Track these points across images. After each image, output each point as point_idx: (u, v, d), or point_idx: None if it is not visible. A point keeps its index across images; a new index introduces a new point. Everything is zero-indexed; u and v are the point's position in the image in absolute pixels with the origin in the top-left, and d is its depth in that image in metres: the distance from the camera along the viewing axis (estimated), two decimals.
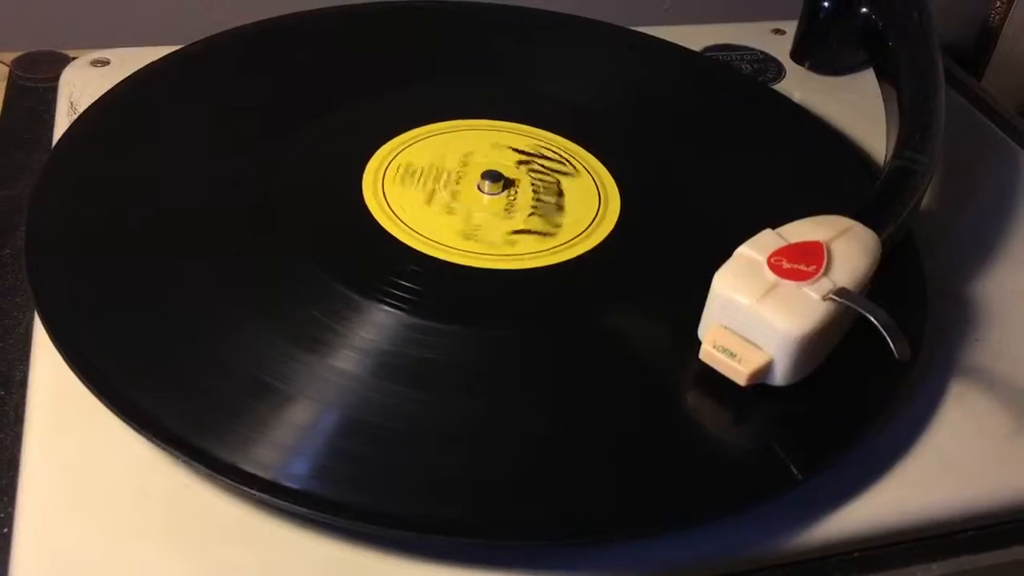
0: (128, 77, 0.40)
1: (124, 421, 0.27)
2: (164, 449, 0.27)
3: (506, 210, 0.36)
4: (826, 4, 0.48)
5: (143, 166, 0.37)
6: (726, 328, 0.30)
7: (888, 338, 0.27)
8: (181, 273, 0.32)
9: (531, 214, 0.36)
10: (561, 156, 0.39)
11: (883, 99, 0.43)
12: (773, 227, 0.31)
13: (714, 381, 0.30)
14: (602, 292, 0.34)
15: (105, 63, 0.44)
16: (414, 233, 0.35)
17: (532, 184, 0.37)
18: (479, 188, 0.37)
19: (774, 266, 0.30)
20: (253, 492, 0.26)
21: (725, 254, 0.30)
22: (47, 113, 0.43)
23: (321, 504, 0.26)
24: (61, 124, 0.41)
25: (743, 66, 0.50)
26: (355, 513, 0.26)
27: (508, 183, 0.37)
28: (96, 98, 0.39)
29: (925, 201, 0.38)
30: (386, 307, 0.31)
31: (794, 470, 0.28)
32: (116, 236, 0.34)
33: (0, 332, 0.33)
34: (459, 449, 0.28)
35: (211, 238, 0.34)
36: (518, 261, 0.34)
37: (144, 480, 0.28)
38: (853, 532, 0.29)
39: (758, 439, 0.30)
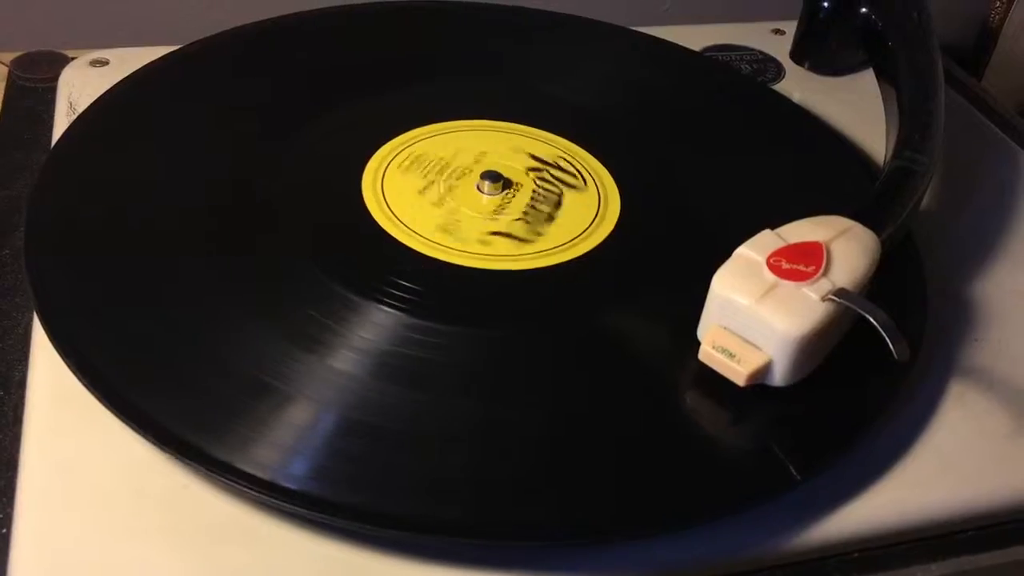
0: (127, 77, 0.40)
1: (123, 421, 0.27)
2: (163, 449, 0.27)
3: (495, 211, 0.36)
4: (826, 4, 0.48)
5: (142, 166, 0.37)
6: (725, 329, 0.30)
7: (887, 339, 0.27)
8: (180, 273, 0.32)
9: (518, 219, 0.36)
10: (576, 168, 0.38)
11: (883, 99, 0.43)
12: (772, 227, 0.31)
13: (713, 382, 0.30)
14: (602, 292, 0.34)
15: (104, 63, 0.44)
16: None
17: (534, 191, 0.37)
18: (478, 188, 0.37)
19: (773, 267, 0.30)
20: (252, 492, 0.26)
21: (724, 254, 0.30)
22: (46, 113, 0.43)
23: (320, 504, 0.26)
24: (60, 124, 0.41)
25: (743, 66, 0.50)
26: (354, 513, 0.26)
27: (508, 184, 0.37)
28: (95, 98, 0.39)
29: (925, 201, 0.38)
30: (385, 307, 0.31)
31: (793, 471, 0.28)
32: (115, 236, 0.33)
33: None
34: (458, 449, 0.28)
35: (210, 238, 0.34)
36: (483, 260, 0.34)
37: (143, 480, 0.28)
38: (852, 533, 0.29)
39: (757, 440, 0.30)
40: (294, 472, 0.27)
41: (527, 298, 0.33)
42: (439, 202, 0.36)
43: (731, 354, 0.29)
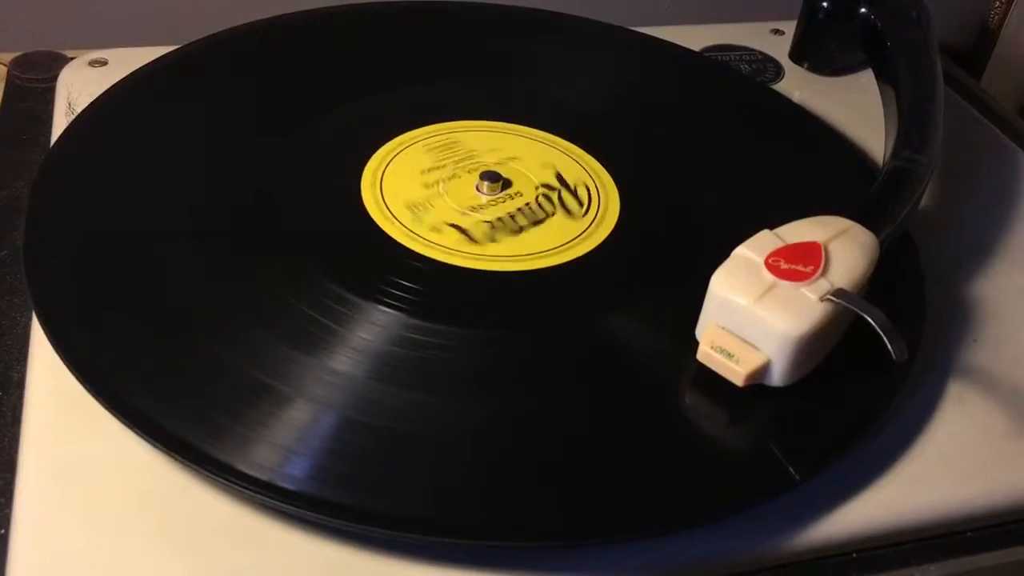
0: (126, 77, 0.40)
1: (122, 422, 0.27)
2: (162, 450, 0.27)
3: (473, 208, 0.36)
4: (825, 4, 0.48)
5: (141, 166, 0.37)
6: (724, 329, 0.30)
7: (885, 339, 0.27)
8: (179, 274, 0.32)
9: (487, 221, 0.36)
10: (590, 196, 0.37)
11: (882, 99, 0.43)
12: (771, 227, 0.31)
13: (712, 382, 0.30)
14: (601, 292, 0.34)
15: (103, 63, 0.44)
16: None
17: (527, 204, 0.37)
18: (477, 188, 0.37)
19: (772, 267, 0.30)
20: (251, 493, 0.26)
21: (723, 254, 0.30)
22: (45, 113, 0.43)
23: (319, 505, 0.26)
24: (59, 124, 0.41)
25: (742, 66, 0.50)
26: (353, 514, 0.26)
27: (507, 184, 0.37)
28: (94, 98, 0.39)
29: (924, 201, 0.38)
30: (384, 308, 0.31)
31: (792, 471, 0.28)
32: (114, 236, 0.33)
33: None
34: (457, 450, 0.28)
35: (209, 238, 0.34)
36: (424, 246, 0.34)
37: (142, 481, 0.28)
38: (851, 533, 0.29)
39: (756, 440, 0.29)
40: (293, 473, 0.27)
41: (528, 298, 0.33)
42: (431, 184, 0.37)
43: (730, 354, 0.29)
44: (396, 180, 0.37)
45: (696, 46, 0.50)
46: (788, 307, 0.29)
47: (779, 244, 0.30)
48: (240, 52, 0.43)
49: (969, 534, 0.30)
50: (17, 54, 0.46)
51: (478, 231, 0.35)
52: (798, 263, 0.30)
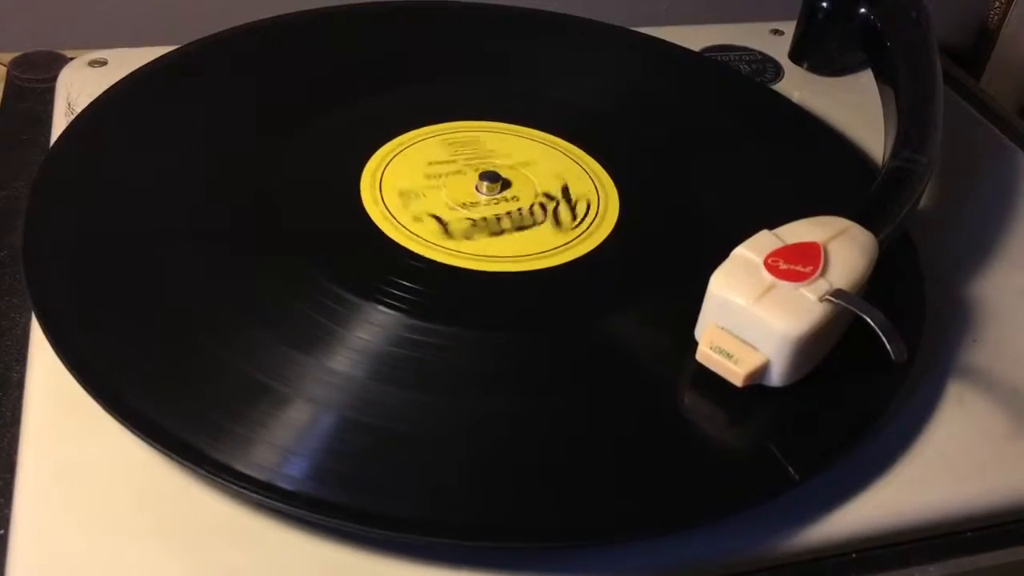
0: (125, 77, 0.40)
1: (121, 423, 0.27)
2: (161, 451, 0.27)
3: (463, 203, 0.36)
4: (825, 4, 0.48)
5: (141, 166, 0.37)
6: (723, 329, 0.30)
7: (884, 339, 0.27)
8: (178, 274, 0.32)
9: (469, 218, 0.36)
10: (587, 213, 0.37)
11: (881, 99, 0.43)
12: (770, 228, 0.31)
13: (711, 382, 0.30)
14: (601, 293, 0.34)
15: (103, 63, 0.44)
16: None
17: (518, 210, 0.37)
18: (476, 188, 0.37)
19: (771, 267, 0.30)
20: (250, 493, 0.26)
21: (723, 255, 0.30)
22: (44, 114, 0.43)
23: (318, 505, 0.26)
24: (59, 124, 0.41)
25: (742, 66, 0.50)
26: (353, 515, 0.26)
27: (506, 185, 0.37)
28: (94, 98, 0.39)
29: (923, 201, 0.38)
30: (383, 308, 0.31)
31: (791, 471, 0.28)
32: (113, 237, 0.33)
33: None
34: (456, 450, 0.28)
35: (208, 239, 0.34)
36: (400, 232, 0.35)
37: (141, 481, 0.28)
38: (850, 533, 0.29)
39: (755, 440, 0.29)
40: (292, 473, 0.27)
41: (527, 298, 0.33)
42: (432, 175, 0.37)
43: (729, 354, 0.29)
44: (400, 167, 0.38)
45: (696, 46, 0.50)
46: (787, 307, 0.29)
47: (778, 244, 0.30)
48: (240, 52, 0.43)
49: (968, 534, 0.30)
50: (17, 54, 0.46)
51: (457, 227, 0.35)
52: (797, 263, 0.30)
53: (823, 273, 0.29)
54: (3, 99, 0.44)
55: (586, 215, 0.36)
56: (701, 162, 0.41)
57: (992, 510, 0.30)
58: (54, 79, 0.44)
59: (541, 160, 0.39)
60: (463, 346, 0.31)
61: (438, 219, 0.35)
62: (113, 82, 0.40)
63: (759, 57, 0.51)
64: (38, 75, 0.45)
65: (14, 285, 0.35)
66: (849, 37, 0.47)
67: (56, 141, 0.37)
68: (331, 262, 0.33)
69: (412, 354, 0.30)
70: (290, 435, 0.28)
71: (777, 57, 0.51)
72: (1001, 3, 0.64)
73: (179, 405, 0.28)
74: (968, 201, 0.43)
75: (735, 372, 0.29)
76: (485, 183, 0.37)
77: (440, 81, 0.44)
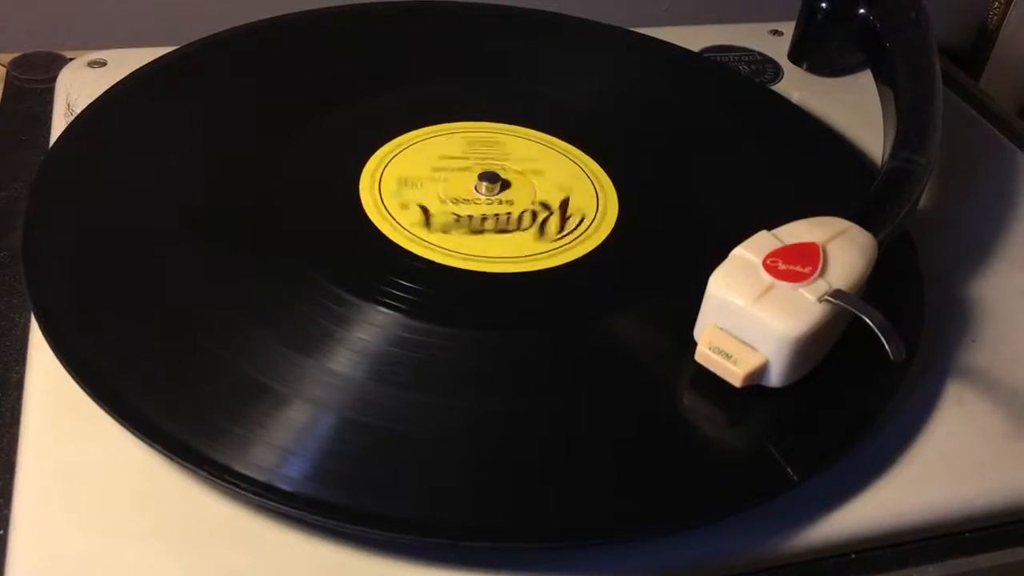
0: (125, 78, 0.40)
1: (120, 423, 0.27)
2: (161, 451, 0.27)
3: (456, 199, 0.36)
4: (824, 5, 0.48)
5: (140, 167, 0.37)
6: (722, 329, 0.30)
7: (883, 340, 0.27)
8: (178, 275, 0.32)
9: (453, 214, 0.36)
10: (576, 227, 0.36)
11: (881, 100, 0.43)
12: (770, 228, 0.31)
13: (710, 383, 0.30)
14: (601, 293, 0.34)
15: (102, 64, 0.44)
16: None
17: (507, 214, 0.36)
18: (475, 188, 0.37)
19: (770, 267, 0.30)
20: (250, 494, 0.26)
21: (722, 255, 0.30)
22: (44, 114, 0.43)
23: (318, 506, 0.26)
24: (58, 125, 0.41)
25: (741, 67, 0.50)
26: (352, 515, 0.26)
27: (505, 186, 0.37)
28: (93, 99, 0.39)
29: (923, 202, 0.38)
30: (383, 308, 0.31)
31: (790, 472, 0.28)
32: (113, 237, 0.33)
33: None
34: (455, 451, 0.28)
35: (208, 239, 0.34)
36: (382, 217, 0.35)
37: (140, 482, 0.28)
38: (849, 534, 0.29)
39: (754, 441, 0.30)
40: (291, 474, 0.27)
41: (527, 299, 0.33)
42: (440, 168, 0.37)
43: (728, 355, 0.29)
44: (411, 158, 0.38)
45: (695, 47, 0.50)
46: (786, 308, 0.29)
47: (777, 245, 0.30)
48: (240, 52, 0.43)
49: (967, 535, 0.30)
50: (16, 55, 0.46)
51: (439, 220, 0.35)
52: (796, 264, 0.30)
53: (822, 274, 0.29)
54: (2, 99, 0.44)
55: (575, 229, 0.36)
56: (701, 162, 0.41)
57: (991, 510, 0.31)
58: (53, 80, 0.44)
59: (554, 170, 0.39)
60: (463, 346, 0.31)
61: (424, 209, 0.36)
62: (113, 83, 0.40)
63: (758, 57, 0.51)
64: (37, 75, 0.45)
65: (14, 285, 0.35)
66: (848, 38, 0.47)
67: (55, 142, 0.37)
68: (331, 262, 0.33)
69: (412, 354, 0.30)
70: (289, 436, 0.28)
71: (776, 57, 0.51)
72: (1000, 3, 0.64)
73: (179, 405, 0.28)
74: (967, 201, 0.43)
75: (734, 372, 0.29)
76: (484, 183, 0.37)
77: (440, 81, 0.44)
